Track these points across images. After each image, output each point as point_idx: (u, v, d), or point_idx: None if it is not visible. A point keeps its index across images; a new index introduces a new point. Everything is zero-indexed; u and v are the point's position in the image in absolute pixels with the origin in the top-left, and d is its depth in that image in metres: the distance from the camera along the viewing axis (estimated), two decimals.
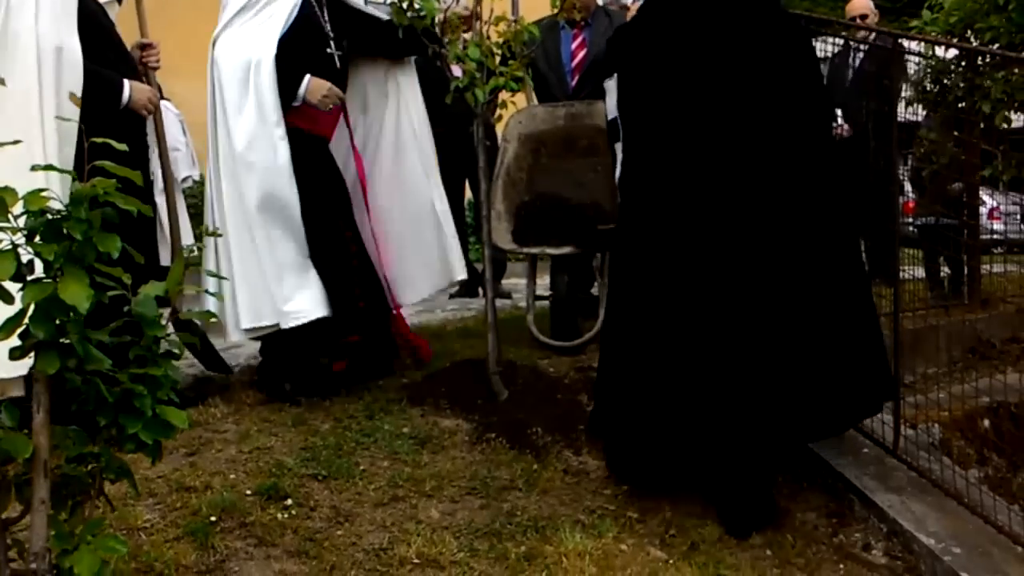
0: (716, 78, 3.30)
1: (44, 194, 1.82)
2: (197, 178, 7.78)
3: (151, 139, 4.09)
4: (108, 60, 3.83)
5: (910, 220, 6.74)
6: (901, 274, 5.83)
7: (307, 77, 4.20)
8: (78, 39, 3.60)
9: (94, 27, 3.75)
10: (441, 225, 4.62)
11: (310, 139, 4.28)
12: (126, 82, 3.88)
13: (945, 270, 6.40)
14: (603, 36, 5.26)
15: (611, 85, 3.55)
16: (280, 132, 4.04)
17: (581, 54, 5.32)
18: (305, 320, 4.07)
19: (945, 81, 5.64)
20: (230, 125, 4.08)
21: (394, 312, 4.65)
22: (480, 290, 6.73)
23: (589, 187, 4.69)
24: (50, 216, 1.85)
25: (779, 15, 3.50)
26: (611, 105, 3.60)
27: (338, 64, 4.40)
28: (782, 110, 3.29)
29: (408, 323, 4.88)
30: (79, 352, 1.92)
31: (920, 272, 6.14)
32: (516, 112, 4.79)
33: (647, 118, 3.43)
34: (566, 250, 4.71)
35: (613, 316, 3.68)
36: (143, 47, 4.20)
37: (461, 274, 4.83)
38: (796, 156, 3.31)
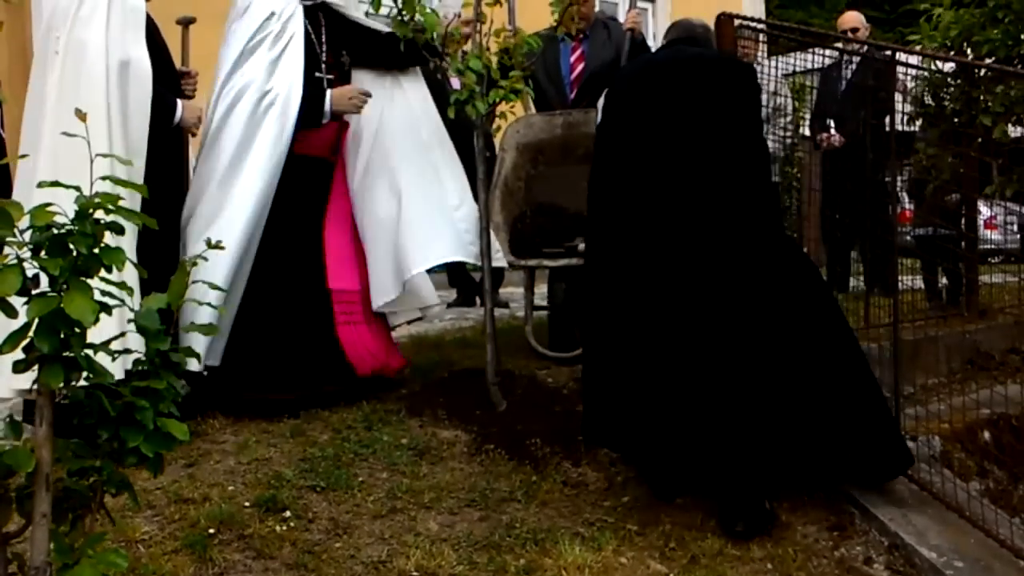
0: (672, 128, 3.62)
1: (50, 208, 1.81)
2: None
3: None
4: (162, 79, 3.87)
5: (907, 230, 6.77)
6: (899, 285, 5.87)
7: (327, 92, 4.23)
8: (147, 52, 3.63)
9: (153, 44, 3.79)
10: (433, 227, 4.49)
11: (310, 163, 4.30)
12: (179, 101, 4.00)
13: (943, 281, 6.42)
14: (601, 48, 5.29)
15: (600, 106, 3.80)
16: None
17: (580, 67, 5.32)
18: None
19: (943, 94, 5.66)
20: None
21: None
22: (478, 299, 6.74)
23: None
24: (56, 231, 1.84)
25: (732, 70, 3.82)
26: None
27: (327, 86, 4.34)
28: (724, 157, 3.57)
29: (407, 333, 4.86)
30: (83, 365, 1.91)
31: (918, 282, 6.16)
32: (513, 121, 4.79)
33: (614, 159, 3.76)
34: (563, 262, 4.71)
35: (592, 324, 3.79)
36: (182, 75, 4.26)
37: (431, 299, 4.74)
38: (736, 199, 3.55)
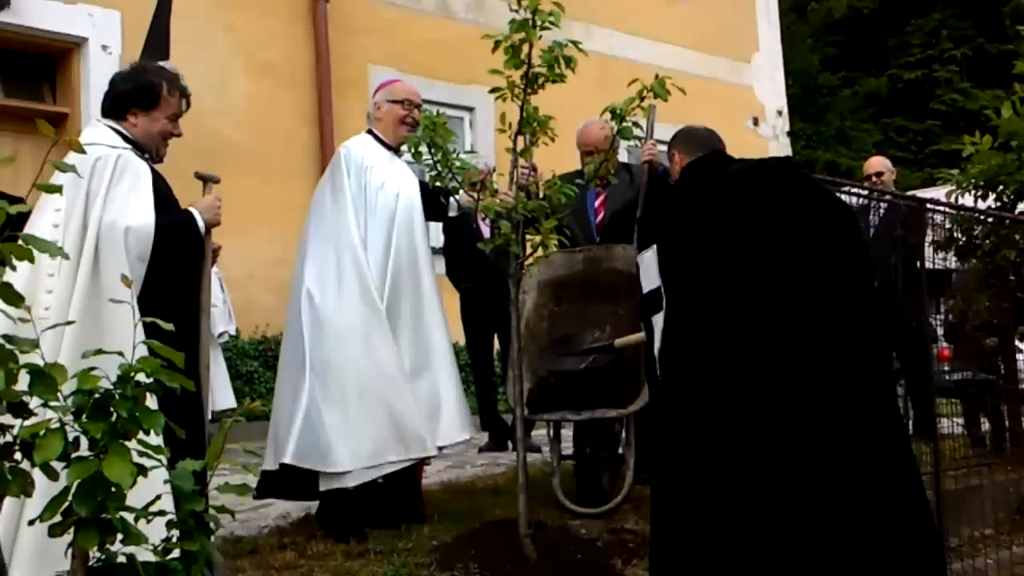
0: (759, 253, 3.29)
1: (94, 373, 1.85)
2: (233, 332, 7.90)
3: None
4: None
5: (946, 370, 6.70)
6: (942, 430, 5.77)
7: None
8: (152, 215, 3.50)
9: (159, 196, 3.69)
10: None
11: None
12: (192, 209, 3.73)
13: (985, 426, 6.31)
14: (623, 192, 5.39)
15: (646, 258, 3.55)
16: None
17: (604, 212, 5.46)
18: None
19: (974, 231, 5.70)
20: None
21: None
22: (510, 443, 6.71)
23: (611, 335, 4.70)
24: (97, 394, 1.88)
25: (806, 184, 3.55)
26: (644, 279, 3.60)
27: None
28: (829, 287, 3.25)
29: (438, 480, 4.84)
30: (118, 528, 1.92)
31: (961, 427, 6.06)
32: (533, 262, 4.82)
33: (690, 291, 3.39)
34: (587, 415, 4.70)
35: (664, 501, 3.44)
36: None
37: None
38: (848, 332, 3.23)
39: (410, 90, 4.85)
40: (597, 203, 5.50)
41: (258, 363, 9.11)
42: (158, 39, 7.17)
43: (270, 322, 8.82)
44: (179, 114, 3.81)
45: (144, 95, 3.68)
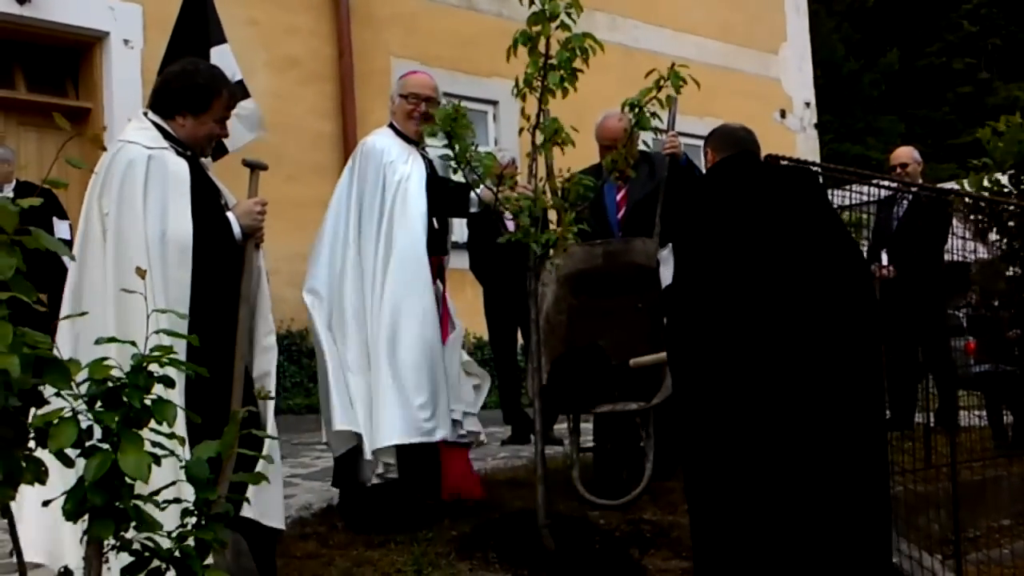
0: (765, 249, 3.45)
1: (106, 363, 1.89)
2: None
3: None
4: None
5: (971, 364, 6.66)
6: (964, 422, 5.74)
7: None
8: (189, 219, 3.43)
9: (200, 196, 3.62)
10: None
11: None
12: (230, 215, 3.62)
13: (1008, 418, 6.27)
14: (643, 184, 5.28)
15: (665, 255, 3.64)
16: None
17: (625, 207, 5.39)
18: None
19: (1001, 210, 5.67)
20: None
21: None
22: (532, 436, 6.72)
23: (631, 330, 4.70)
24: (111, 384, 1.91)
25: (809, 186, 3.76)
26: (665, 276, 3.68)
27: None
28: (827, 279, 3.41)
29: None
30: (132, 516, 1.95)
31: (985, 419, 6.02)
32: (553, 256, 4.82)
33: (698, 286, 3.54)
34: (607, 408, 4.70)
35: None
36: None
37: None
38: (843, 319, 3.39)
39: (419, 83, 4.84)
40: (619, 197, 5.44)
41: (283, 357, 9.17)
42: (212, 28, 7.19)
43: (294, 317, 8.86)
44: (227, 116, 3.75)
45: (195, 99, 3.57)
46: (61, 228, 7.06)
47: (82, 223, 3.46)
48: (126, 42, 8.89)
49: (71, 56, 9.20)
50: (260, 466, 2.52)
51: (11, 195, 6.53)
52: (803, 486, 3.28)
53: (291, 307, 8.78)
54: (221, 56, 6.92)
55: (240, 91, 6.07)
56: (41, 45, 8.90)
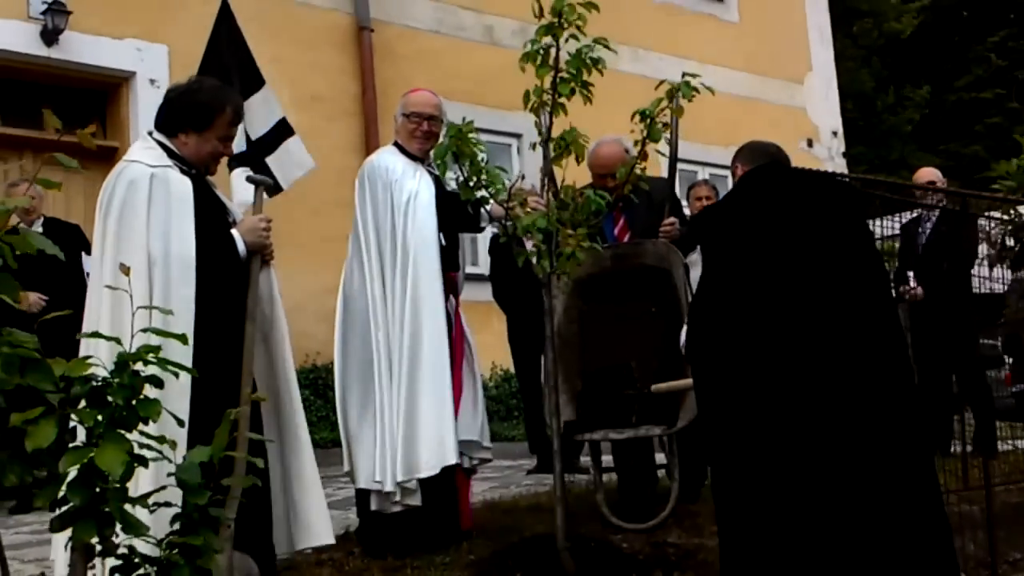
0: (794, 259, 3.33)
1: (88, 361, 1.84)
2: None
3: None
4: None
5: (1011, 391, 6.51)
6: (1004, 446, 5.59)
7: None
8: (192, 239, 3.43)
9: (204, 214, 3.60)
10: None
11: None
12: (234, 232, 3.61)
13: None
14: (644, 215, 5.02)
15: (694, 258, 3.56)
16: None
17: (626, 237, 5.15)
18: None
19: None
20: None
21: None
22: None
23: (644, 336, 4.61)
24: (94, 383, 1.87)
25: (843, 196, 3.61)
26: (694, 277, 3.60)
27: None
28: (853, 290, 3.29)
29: (481, 499, 4.79)
30: (116, 519, 1.90)
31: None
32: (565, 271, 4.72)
33: (729, 294, 3.41)
34: (629, 434, 4.61)
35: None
36: None
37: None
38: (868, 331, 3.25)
39: (422, 101, 4.81)
40: (616, 230, 5.19)
41: (309, 391, 9.14)
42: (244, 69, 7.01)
43: (320, 351, 8.84)
44: (231, 135, 3.75)
45: (198, 116, 3.58)
46: (89, 263, 7.09)
47: (94, 246, 3.48)
48: (152, 82, 8.99)
49: (98, 96, 9.32)
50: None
51: (40, 230, 6.58)
52: (849, 507, 3.07)
53: (317, 342, 8.77)
54: (265, 99, 6.60)
55: (285, 129, 6.01)
56: (68, 87, 9.02)
